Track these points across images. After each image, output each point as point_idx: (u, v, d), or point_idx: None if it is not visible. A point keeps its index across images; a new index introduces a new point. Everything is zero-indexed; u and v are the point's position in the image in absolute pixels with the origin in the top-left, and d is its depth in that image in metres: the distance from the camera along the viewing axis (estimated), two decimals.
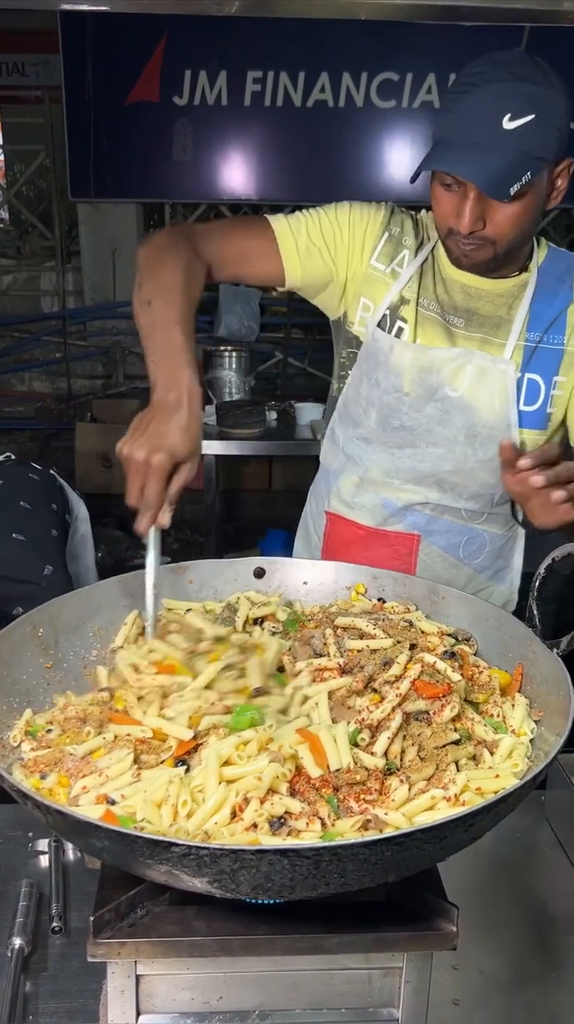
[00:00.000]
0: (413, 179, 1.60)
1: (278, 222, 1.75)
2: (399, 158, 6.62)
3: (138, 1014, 1.08)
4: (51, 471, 2.43)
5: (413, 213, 1.82)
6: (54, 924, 1.32)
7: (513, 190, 1.51)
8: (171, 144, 6.63)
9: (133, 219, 7.31)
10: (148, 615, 1.40)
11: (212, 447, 4.54)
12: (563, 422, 1.77)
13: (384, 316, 1.76)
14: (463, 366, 1.71)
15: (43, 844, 1.49)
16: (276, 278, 1.77)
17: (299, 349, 7.10)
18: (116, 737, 1.18)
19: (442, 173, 1.57)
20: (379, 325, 1.76)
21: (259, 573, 1.58)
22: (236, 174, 6.77)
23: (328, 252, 1.76)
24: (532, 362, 1.72)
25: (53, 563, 2.17)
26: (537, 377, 1.72)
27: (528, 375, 1.72)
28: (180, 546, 5.84)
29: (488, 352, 1.72)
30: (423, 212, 1.82)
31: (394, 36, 6.11)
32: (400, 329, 1.75)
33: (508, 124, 1.48)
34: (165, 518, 1.35)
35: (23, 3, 3.07)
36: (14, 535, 2.13)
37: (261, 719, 1.13)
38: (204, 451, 4.55)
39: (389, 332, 1.75)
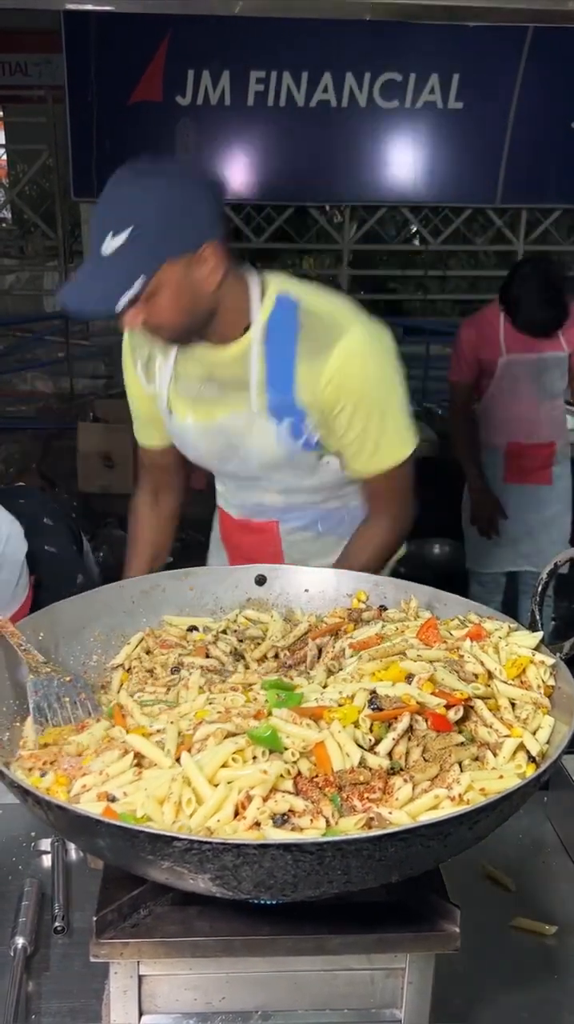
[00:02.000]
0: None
1: (134, 430, 2.07)
2: (401, 158, 6.62)
3: (140, 1014, 1.08)
4: None
5: None
6: (57, 924, 1.32)
7: (123, 301, 1.57)
8: (174, 144, 6.63)
9: None
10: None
11: None
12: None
13: (167, 413, 1.94)
14: (226, 430, 1.86)
15: (46, 844, 1.49)
16: (173, 452, 2.04)
17: None
18: (108, 738, 1.16)
19: None
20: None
21: (260, 580, 1.58)
22: (239, 174, 6.76)
23: (148, 405, 1.98)
24: (282, 412, 1.81)
25: None
26: (293, 419, 1.81)
27: (286, 419, 1.82)
28: (182, 546, 5.83)
29: (238, 410, 1.83)
30: None
31: (397, 36, 6.11)
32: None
33: (108, 245, 1.54)
34: None
35: (26, 3, 3.08)
36: None
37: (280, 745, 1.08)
38: None
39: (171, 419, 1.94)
